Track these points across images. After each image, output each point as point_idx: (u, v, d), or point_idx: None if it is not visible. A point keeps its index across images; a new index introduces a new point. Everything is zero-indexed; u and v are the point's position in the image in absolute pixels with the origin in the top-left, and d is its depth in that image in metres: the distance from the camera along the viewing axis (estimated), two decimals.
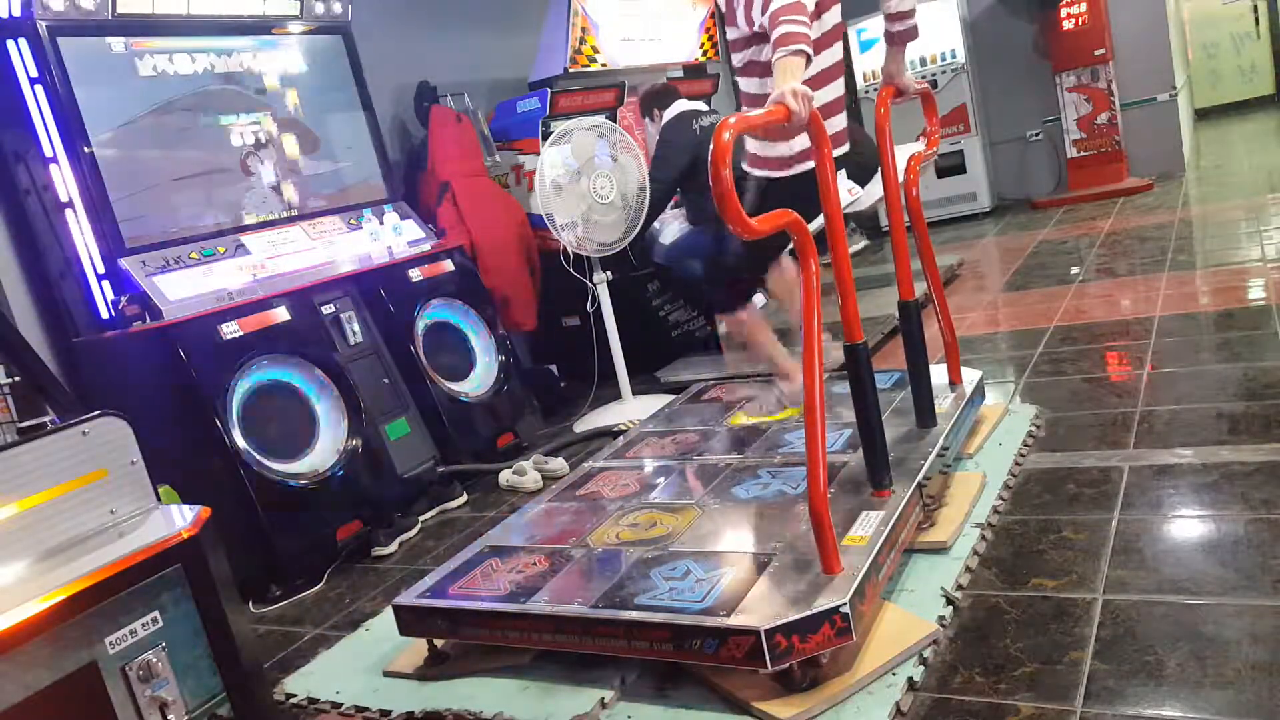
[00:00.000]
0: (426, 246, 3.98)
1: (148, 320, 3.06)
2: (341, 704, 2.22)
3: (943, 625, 1.99)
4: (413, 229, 4.08)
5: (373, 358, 3.61)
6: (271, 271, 3.49)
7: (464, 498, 3.58)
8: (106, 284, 3.14)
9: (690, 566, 2.11)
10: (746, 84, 2.74)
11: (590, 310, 4.25)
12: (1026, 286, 4.99)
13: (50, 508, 1.80)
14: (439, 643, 2.27)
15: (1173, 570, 2.03)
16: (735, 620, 1.82)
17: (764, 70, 2.54)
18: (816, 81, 2.53)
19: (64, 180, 3.09)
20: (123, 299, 3.08)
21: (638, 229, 3.99)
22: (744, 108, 2.74)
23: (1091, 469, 2.61)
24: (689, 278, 4.24)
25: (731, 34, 2.68)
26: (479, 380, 3.94)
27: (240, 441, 2.98)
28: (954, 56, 7.50)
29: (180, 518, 1.89)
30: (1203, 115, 11.02)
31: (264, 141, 3.71)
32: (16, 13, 3.00)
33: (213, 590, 1.85)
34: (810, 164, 2.36)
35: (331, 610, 2.84)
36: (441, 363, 3.80)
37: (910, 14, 2.66)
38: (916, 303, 2.74)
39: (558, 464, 3.57)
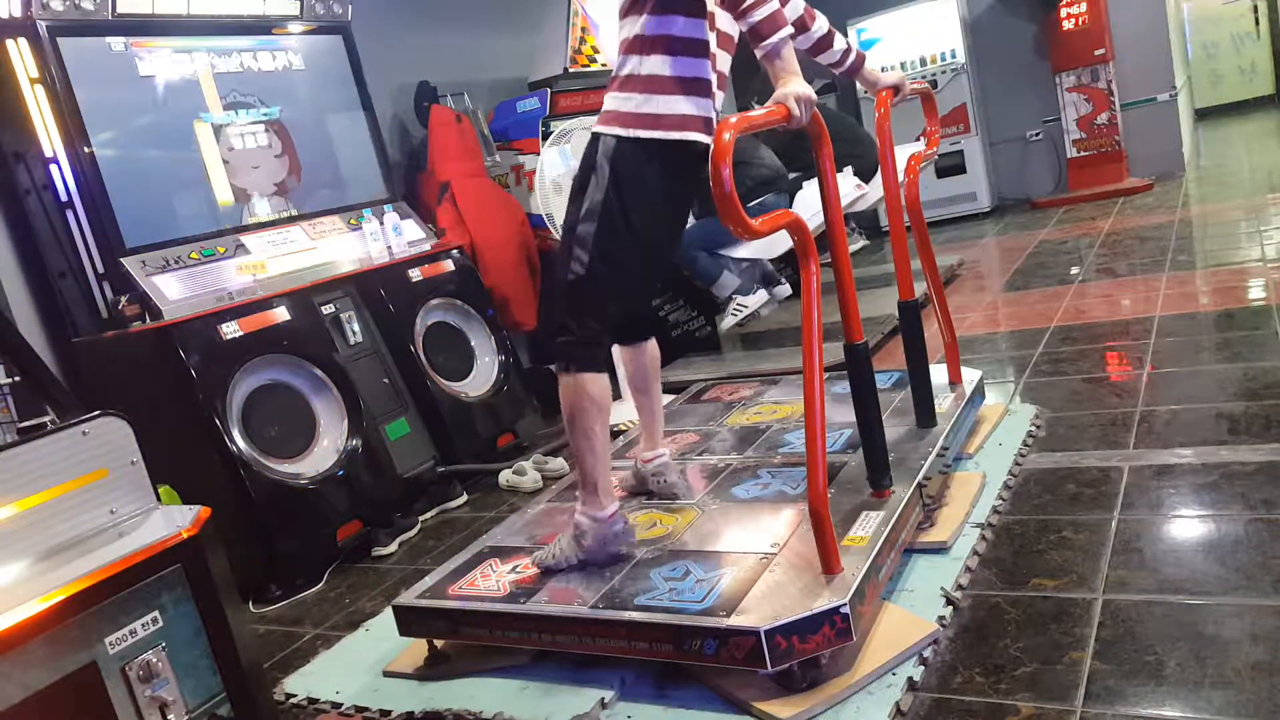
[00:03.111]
0: (426, 246, 3.98)
1: (148, 320, 3.06)
2: (341, 704, 2.22)
3: (943, 625, 1.99)
4: (413, 229, 4.08)
5: (373, 358, 3.61)
6: (271, 271, 3.49)
7: (464, 498, 3.58)
8: (106, 284, 3.14)
9: (690, 567, 2.11)
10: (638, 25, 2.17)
11: None
12: (1026, 286, 4.99)
13: (50, 508, 1.79)
14: (439, 643, 2.27)
15: (1173, 570, 2.03)
16: (735, 621, 1.82)
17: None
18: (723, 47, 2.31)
19: (64, 180, 3.09)
20: (123, 299, 3.08)
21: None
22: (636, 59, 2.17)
23: (1091, 469, 2.61)
24: (696, 269, 4.26)
25: None
26: (479, 380, 3.94)
27: (240, 441, 2.98)
28: (954, 56, 7.51)
29: (180, 518, 1.89)
30: (1203, 115, 11.02)
31: (264, 141, 3.71)
32: (16, 13, 3.00)
33: (213, 590, 1.85)
34: (695, 135, 2.14)
35: (331, 610, 2.84)
36: (441, 363, 3.79)
37: (845, 55, 2.61)
38: (916, 303, 2.75)
39: (558, 464, 3.57)
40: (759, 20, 1.98)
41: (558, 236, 3.86)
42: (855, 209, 4.76)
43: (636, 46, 2.16)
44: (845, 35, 2.90)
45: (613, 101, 2.18)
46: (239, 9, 3.65)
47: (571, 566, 2.24)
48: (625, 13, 2.20)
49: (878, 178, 4.73)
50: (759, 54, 2.04)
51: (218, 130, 3.56)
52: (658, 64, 2.14)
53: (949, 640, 1.95)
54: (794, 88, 1.97)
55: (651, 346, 2.59)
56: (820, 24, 2.60)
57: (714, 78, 2.24)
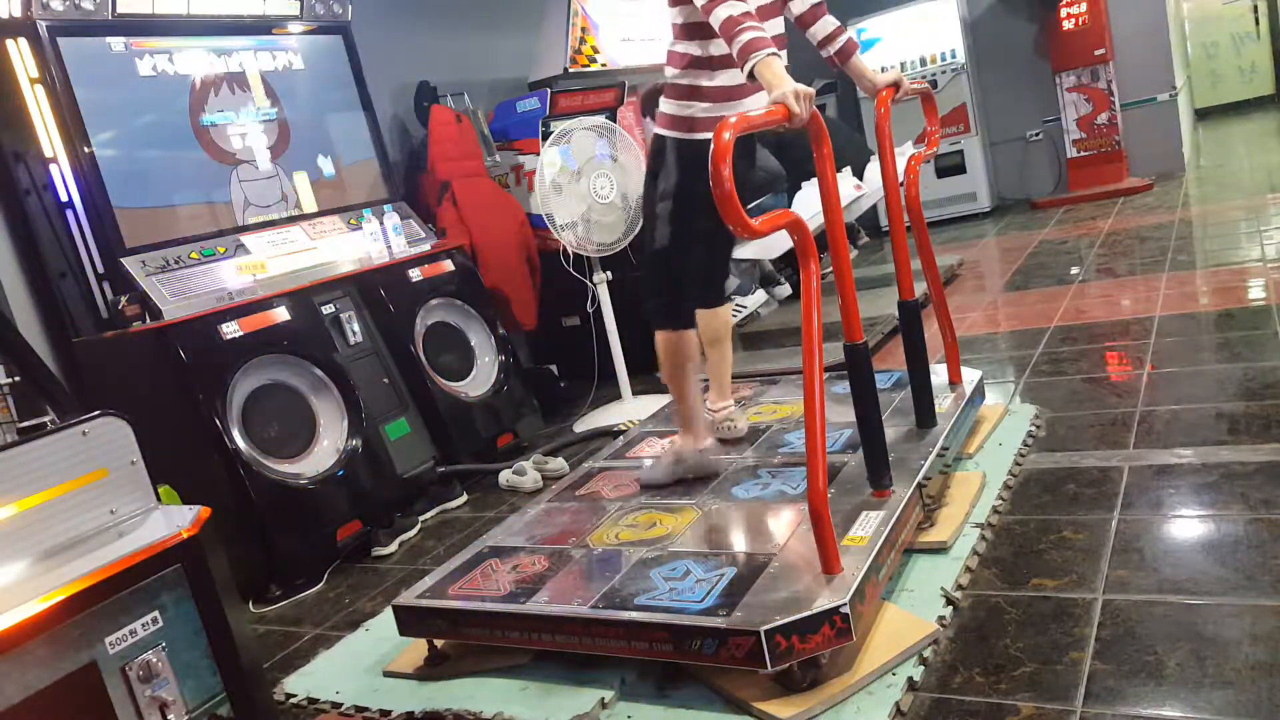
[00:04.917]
0: (426, 246, 3.98)
1: (148, 320, 3.06)
2: (341, 704, 2.22)
3: (943, 625, 1.99)
4: (413, 229, 4.08)
5: (373, 358, 3.60)
6: (271, 271, 3.49)
7: (464, 498, 3.58)
8: (106, 284, 3.14)
9: (690, 566, 2.11)
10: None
11: (590, 310, 4.25)
12: (1026, 286, 4.99)
13: (50, 508, 1.79)
14: (439, 643, 2.27)
15: (1173, 570, 2.03)
16: (735, 620, 1.82)
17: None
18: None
19: (64, 180, 3.09)
20: (123, 299, 3.08)
21: (638, 229, 4.00)
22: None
23: (1091, 469, 2.61)
24: None
25: None
26: (479, 380, 3.94)
27: (240, 441, 2.98)
28: (954, 56, 7.51)
29: (180, 518, 1.89)
30: (1203, 115, 11.02)
31: (264, 141, 3.71)
32: (16, 13, 3.00)
33: (213, 590, 1.85)
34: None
35: (331, 610, 2.84)
36: (441, 363, 3.80)
37: (837, 34, 2.59)
38: (916, 303, 2.74)
39: (558, 464, 3.57)
40: (741, 45, 2.08)
41: (558, 236, 3.88)
42: (854, 212, 4.74)
43: (674, 60, 2.48)
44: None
45: (664, 105, 2.53)
46: (239, 9, 3.65)
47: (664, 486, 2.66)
48: (673, 33, 2.47)
49: (875, 177, 4.73)
50: (743, 74, 2.11)
51: (217, 130, 3.56)
52: (691, 76, 2.44)
53: (949, 640, 1.95)
54: (789, 86, 1.97)
55: (725, 310, 2.89)
56: None
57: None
